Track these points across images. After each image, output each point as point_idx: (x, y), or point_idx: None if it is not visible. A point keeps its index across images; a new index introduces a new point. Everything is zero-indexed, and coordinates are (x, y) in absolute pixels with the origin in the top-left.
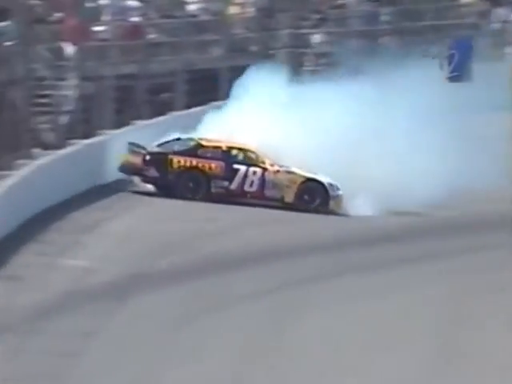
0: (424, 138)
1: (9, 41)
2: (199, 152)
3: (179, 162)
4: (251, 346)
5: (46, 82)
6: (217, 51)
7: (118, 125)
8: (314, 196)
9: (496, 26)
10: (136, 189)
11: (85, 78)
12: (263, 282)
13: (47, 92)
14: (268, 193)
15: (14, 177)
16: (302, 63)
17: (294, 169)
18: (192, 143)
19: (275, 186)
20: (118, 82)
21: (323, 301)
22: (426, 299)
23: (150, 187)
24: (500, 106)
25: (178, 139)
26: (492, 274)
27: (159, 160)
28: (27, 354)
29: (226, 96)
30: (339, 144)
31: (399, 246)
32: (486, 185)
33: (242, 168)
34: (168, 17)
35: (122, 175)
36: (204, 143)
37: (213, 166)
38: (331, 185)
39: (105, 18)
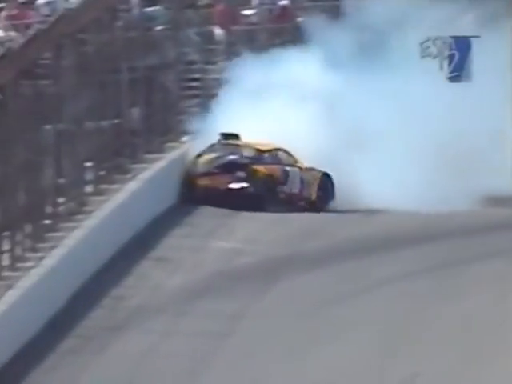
0: None
1: (160, 25)
2: (263, 157)
3: (260, 170)
4: (395, 329)
5: (195, 66)
6: None
7: None
8: (327, 192)
9: None
10: None
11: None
12: (406, 265)
13: (197, 76)
14: (305, 193)
15: (163, 160)
16: None
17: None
18: (247, 149)
19: (307, 184)
20: None
21: (464, 286)
22: None
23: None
24: None
25: (219, 144)
26: None
27: (244, 169)
28: (178, 335)
29: None
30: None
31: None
32: None
33: (290, 169)
34: (315, 0)
35: None
36: (259, 147)
37: (276, 170)
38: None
39: (254, 1)
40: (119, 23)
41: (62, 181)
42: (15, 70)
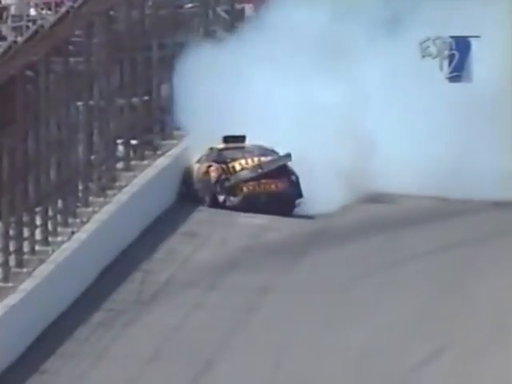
0: None
1: (189, 3)
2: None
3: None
4: (427, 302)
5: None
6: None
7: None
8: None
9: None
10: None
11: None
12: (436, 240)
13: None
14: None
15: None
16: None
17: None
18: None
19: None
20: None
21: (498, 259)
22: None
23: None
24: None
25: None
26: None
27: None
28: (207, 308)
29: None
30: None
31: None
32: None
33: None
34: None
35: None
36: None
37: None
38: None
39: None
40: (149, 1)
41: (93, 157)
42: (47, 48)
